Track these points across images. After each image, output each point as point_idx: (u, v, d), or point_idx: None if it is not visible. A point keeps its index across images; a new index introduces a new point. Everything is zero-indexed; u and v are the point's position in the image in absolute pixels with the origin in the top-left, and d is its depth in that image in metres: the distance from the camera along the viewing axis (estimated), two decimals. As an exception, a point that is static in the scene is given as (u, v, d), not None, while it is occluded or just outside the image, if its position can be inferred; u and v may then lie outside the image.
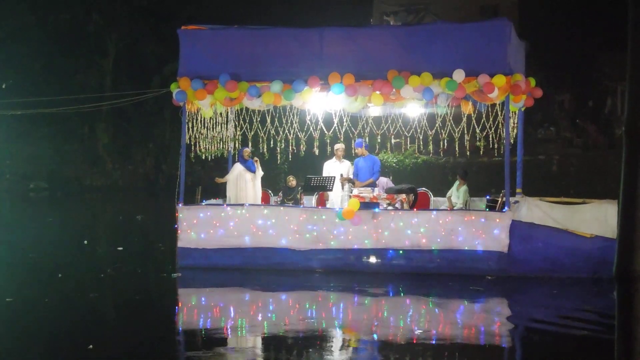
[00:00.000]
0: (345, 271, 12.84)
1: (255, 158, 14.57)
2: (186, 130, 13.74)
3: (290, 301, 11.37)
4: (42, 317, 9.94)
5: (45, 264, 14.18)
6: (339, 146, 14.67)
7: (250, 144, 14.49)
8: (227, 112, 14.65)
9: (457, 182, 14.59)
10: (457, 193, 14.41)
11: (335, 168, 14.70)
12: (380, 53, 12.85)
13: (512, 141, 13.78)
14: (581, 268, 11.79)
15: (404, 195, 13.97)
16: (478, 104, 13.50)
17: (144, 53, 39.07)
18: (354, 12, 35.90)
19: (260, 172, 14.70)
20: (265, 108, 13.90)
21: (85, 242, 17.37)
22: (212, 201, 14.49)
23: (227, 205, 13.77)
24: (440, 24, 14.42)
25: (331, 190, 14.42)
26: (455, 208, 13.93)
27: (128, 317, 10.23)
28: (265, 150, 14.26)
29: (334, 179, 14.35)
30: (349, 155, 15.11)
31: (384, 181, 14.83)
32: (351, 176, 14.65)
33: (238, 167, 14.46)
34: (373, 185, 14.36)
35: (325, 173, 14.70)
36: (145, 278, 13.08)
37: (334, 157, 14.83)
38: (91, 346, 8.32)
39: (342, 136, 13.84)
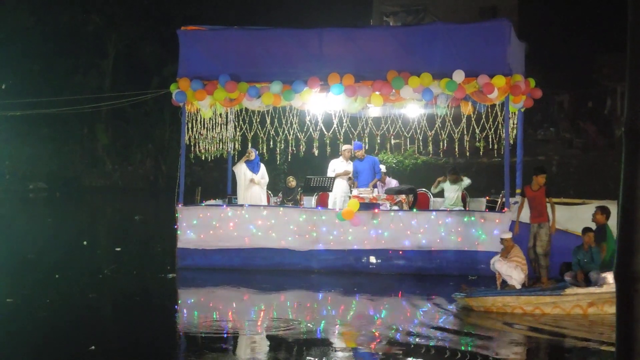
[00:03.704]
0: (344, 272, 12.84)
1: (250, 150, 14.37)
2: (186, 131, 13.74)
3: (289, 302, 11.37)
4: (43, 317, 9.93)
5: (44, 265, 14.18)
6: (347, 147, 14.62)
7: (250, 145, 14.47)
8: (227, 113, 14.64)
9: (447, 181, 14.37)
10: (451, 187, 14.16)
11: (342, 168, 14.64)
12: (379, 54, 12.86)
13: (511, 142, 13.78)
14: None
15: (403, 196, 13.97)
16: (478, 105, 13.50)
17: (144, 54, 39.05)
18: (353, 13, 35.88)
19: (264, 177, 14.53)
20: (264, 109, 13.90)
21: (85, 242, 17.37)
22: (212, 202, 14.47)
23: (227, 205, 13.77)
24: (440, 25, 14.44)
25: (331, 190, 14.42)
26: (455, 208, 13.85)
27: (128, 318, 10.23)
28: (265, 150, 14.25)
29: (334, 180, 14.35)
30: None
31: (393, 183, 14.86)
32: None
33: (241, 167, 14.37)
34: (375, 185, 14.38)
35: (330, 171, 14.65)
36: (142, 279, 13.07)
37: (341, 157, 14.78)
38: (93, 347, 8.32)
39: (341, 137, 13.84)
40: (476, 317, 9.90)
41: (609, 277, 9.94)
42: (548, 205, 11.57)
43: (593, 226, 10.97)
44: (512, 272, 10.54)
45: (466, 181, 14.21)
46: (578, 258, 10.41)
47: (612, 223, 11.13)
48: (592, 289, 9.83)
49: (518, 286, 10.49)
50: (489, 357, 8.12)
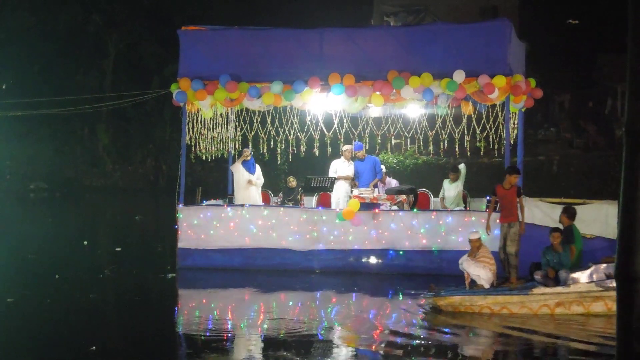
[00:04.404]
0: (345, 272, 12.85)
1: (246, 150, 14.42)
2: (186, 131, 13.75)
3: (290, 302, 11.37)
4: (43, 317, 9.93)
5: (45, 265, 14.17)
6: (347, 147, 14.60)
7: (250, 145, 14.47)
8: (227, 113, 14.64)
9: (447, 180, 14.38)
10: (451, 186, 14.13)
11: (344, 168, 14.63)
12: (380, 54, 12.86)
13: (512, 142, 13.78)
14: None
15: (404, 196, 13.97)
16: (478, 105, 13.50)
17: (144, 54, 39.05)
18: (354, 13, 35.89)
19: (259, 178, 14.56)
20: (265, 109, 13.90)
21: (85, 242, 17.38)
22: (212, 202, 14.47)
23: (227, 205, 13.78)
24: (440, 25, 14.47)
25: (331, 191, 14.43)
26: (454, 208, 13.84)
27: (128, 318, 10.23)
28: (265, 150, 14.25)
29: (334, 180, 14.35)
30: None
31: (394, 183, 14.86)
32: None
33: (239, 167, 14.39)
34: (376, 185, 14.38)
35: (332, 172, 14.63)
36: (142, 279, 13.06)
37: (342, 157, 14.76)
38: (94, 347, 8.32)
39: (342, 137, 13.83)
40: (443, 317, 9.89)
41: (581, 277, 9.97)
42: (529, 206, 11.58)
43: (594, 227, 10.99)
44: (480, 271, 10.53)
45: (462, 170, 14.13)
46: (547, 258, 10.37)
47: (612, 224, 11.17)
48: (559, 289, 9.83)
49: (486, 286, 10.49)
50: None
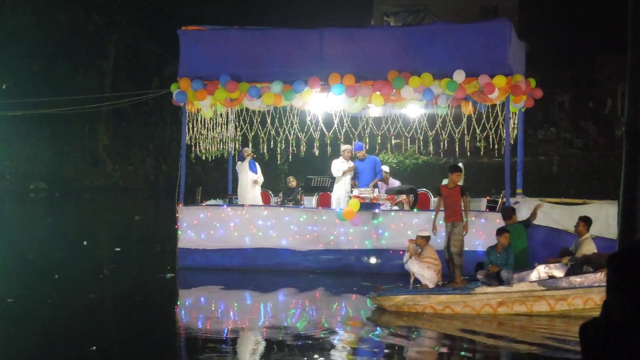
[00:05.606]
0: (345, 272, 12.84)
1: (247, 150, 14.51)
2: (186, 131, 13.74)
3: (290, 302, 11.37)
4: (43, 317, 9.93)
5: (44, 265, 14.17)
6: (346, 147, 14.57)
7: (250, 145, 14.48)
8: (227, 113, 14.64)
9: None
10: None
11: (344, 168, 14.60)
12: (380, 54, 12.86)
13: (512, 142, 13.77)
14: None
15: (404, 196, 13.97)
16: (478, 105, 13.50)
17: (144, 54, 39.05)
18: (354, 13, 35.90)
19: (260, 178, 14.65)
20: (265, 109, 13.90)
21: (85, 242, 17.38)
22: (212, 202, 14.48)
23: (227, 205, 13.79)
24: (440, 25, 14.46)
25: (331, 190, 14.42)
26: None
27: (128, 318, 10.23)
28: (265, 150, 14.24)
29: (334, 180, 14.34)
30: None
31: (397, 184, 14.85)
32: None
33: (246, 168, 14.46)
34: (376, 185, 14.37)
35: (335, 170, 14.56)
36: (142, 279, 13.06)
37: (341, 157, 14.74)
38: (94, 347, 8.32)
39: (342, 137, 13.83)
40: (386, 317, 9.90)
41: (525, 276, 9.98)
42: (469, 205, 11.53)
43: (594, 227, 10.95)
44: (425, 271, 10.43)
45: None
46: (490, 259, 10.29)
47: (613, 224, 11.14)
48: (501, 288, 9.80)
49: (431, 285, 10.40)
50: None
